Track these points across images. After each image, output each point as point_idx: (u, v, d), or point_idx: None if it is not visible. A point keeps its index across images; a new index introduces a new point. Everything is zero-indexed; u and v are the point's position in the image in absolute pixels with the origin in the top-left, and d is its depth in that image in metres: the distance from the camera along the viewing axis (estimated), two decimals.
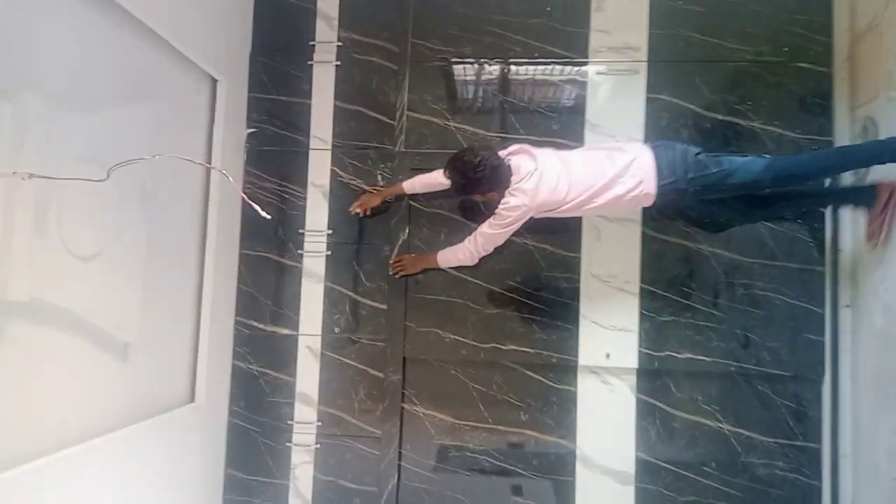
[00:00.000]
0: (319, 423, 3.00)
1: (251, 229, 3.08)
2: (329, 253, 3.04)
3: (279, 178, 3.09)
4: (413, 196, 2.95)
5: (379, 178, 3.03)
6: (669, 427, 2.86)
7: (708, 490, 2.82)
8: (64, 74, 1.94)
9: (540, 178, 2.46)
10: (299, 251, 3.06)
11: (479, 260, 2.74)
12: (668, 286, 2.85)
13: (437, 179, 2.74)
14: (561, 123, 2.97)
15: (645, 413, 2.87)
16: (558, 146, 2.84)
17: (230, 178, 1.64)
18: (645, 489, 2.84)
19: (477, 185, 2.48)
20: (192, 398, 2.78)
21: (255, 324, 3.07)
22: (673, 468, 2.85)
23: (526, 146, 2.59)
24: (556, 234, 2.91)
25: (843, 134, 2.84)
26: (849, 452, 2.76)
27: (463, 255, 2.72)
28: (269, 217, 1.69)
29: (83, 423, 2.05)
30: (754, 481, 2.81)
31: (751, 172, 2.44)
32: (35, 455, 1.80)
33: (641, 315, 2.86)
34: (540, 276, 2.90)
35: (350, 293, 3.04)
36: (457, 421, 2.96)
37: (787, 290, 2.79)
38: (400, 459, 2.96)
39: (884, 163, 2.39)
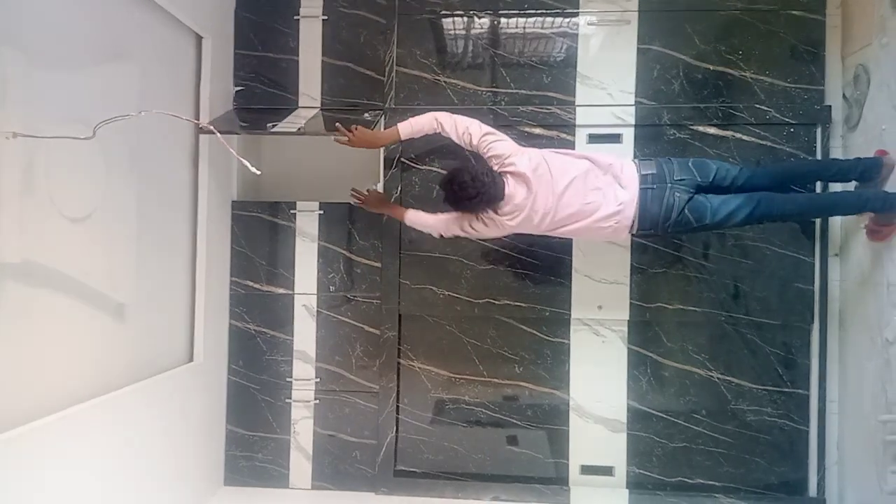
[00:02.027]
0: (318, 380, 3.05)
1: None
2: (322, 212, 3.03)
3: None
4: (405, 155, 2.94)
5: (367, 116, 2.99)
6: (660, 376, 2.92)
7: (698, 436, 2.90)
8: (46, 32, 1.90)
9: (527, 216, 2.43)
10: (292, 210, 3.05)
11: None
12: (659, 238, 2.87)
13: (433, 127, 2.54)
14: (552, 76, 2.94)
15: (636, 363, 2.92)
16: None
17: (218, 134, 1.63)
18: (637, 436, 2.92)
19: (468, 208, 2.43)
20: (190, 357, 2.82)
21: (251, 283, 3.08)
22: (664, 416, 2.91)
23: (528, 174, 2.39)
24: None
25: (835, 82, 2.83)
26: (835, 397, 2.83)
27: (431, 227, 2.61)
28: (259, 173, 1.69)
29: (83, 383, 2.08)
30: (743, 427, 2.88)
31: (733, 221, 2.42)
32: (36, 415, 1.82)
33: (633, 267, 2.89)
34: None
35: (344, 251, 3.05)
36: (452, 375, 3.01)
37: (777, 239, 2.82)
38: (398, 413, 3.02)
39: (862, 213, 2.54)
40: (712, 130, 2.86)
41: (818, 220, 2.80)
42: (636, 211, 2.41)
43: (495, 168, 2.45)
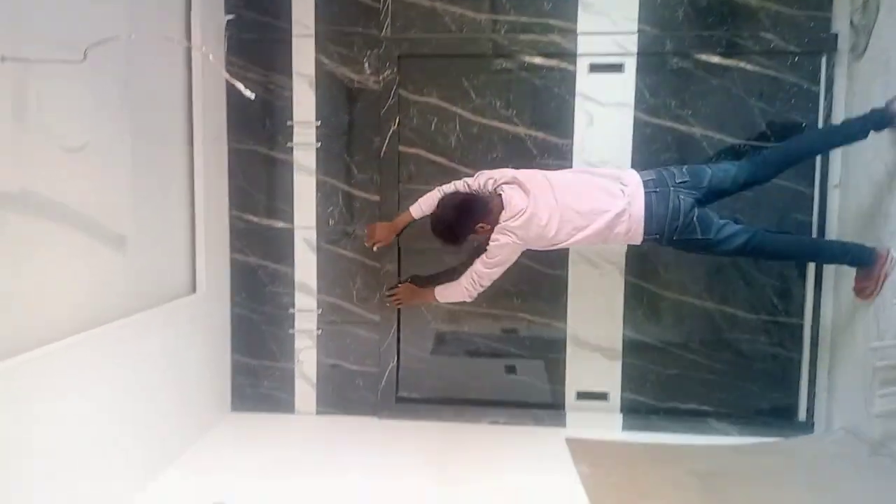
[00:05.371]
0: (320, 311, 3.10)
1: (238, 121, 3.03)
2: (319, 144, 3.01)
3: (263, 67, 3.01)
4: (402, 86, 2.91)
5: (366, 65, 2.95)
6: (656, 307, 2.96)
7: (692, 364, 2.97)
8: None
9: (530, 218, 2.40)
10: (289, 144, 3.03)
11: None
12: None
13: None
14: (553, 3, 2.87)
15: (633, 294, 2.96)
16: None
17: (210, 56, 1.61)
18: (631, 364, 2.98)
19: (465, 228, 2.47)
20: (193, 289, 2.85)
21: (251, 217, 3.09)
22: (658, 345, 2.97)
23: (519, 178, 2.49)
24: (549, 126, 2.93)
25: (843, 8, 2.74)
26: (829, 326, 2.87)
27: (460, 295, 2.64)
28: (253, 96, 1.67)
29: (84, 313, 2.10)
30: (737, 355, 2.95)
31: (731, 245, 2.41)
32: (36, 345, 1.84)
33: None
34: (533, 165, 2.89)
35: (343, 185, 3.05)
36: (452, 307, 3.05)
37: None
38: (399, 343, 3.08)
39: (843, 263, 2.58)
40: (716, 59, 2.81)
41: (822, 145, 2.72)
42: (643, 213, 2.39)
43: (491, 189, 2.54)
